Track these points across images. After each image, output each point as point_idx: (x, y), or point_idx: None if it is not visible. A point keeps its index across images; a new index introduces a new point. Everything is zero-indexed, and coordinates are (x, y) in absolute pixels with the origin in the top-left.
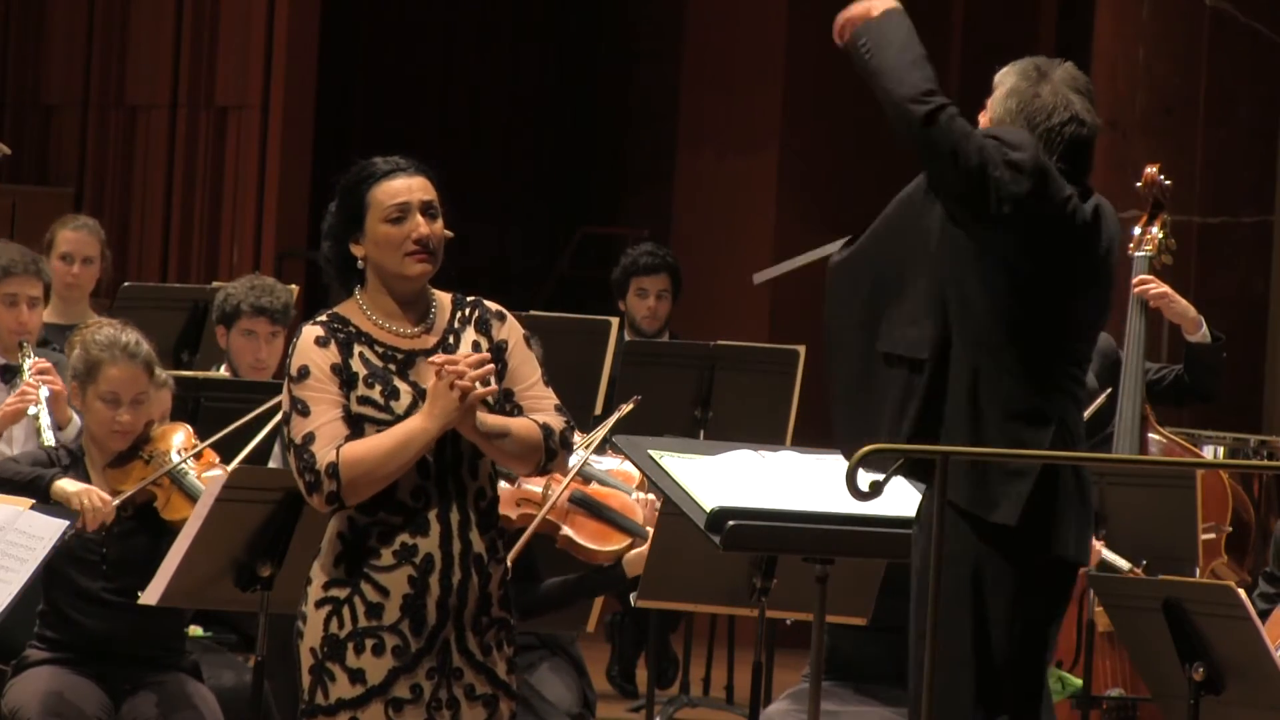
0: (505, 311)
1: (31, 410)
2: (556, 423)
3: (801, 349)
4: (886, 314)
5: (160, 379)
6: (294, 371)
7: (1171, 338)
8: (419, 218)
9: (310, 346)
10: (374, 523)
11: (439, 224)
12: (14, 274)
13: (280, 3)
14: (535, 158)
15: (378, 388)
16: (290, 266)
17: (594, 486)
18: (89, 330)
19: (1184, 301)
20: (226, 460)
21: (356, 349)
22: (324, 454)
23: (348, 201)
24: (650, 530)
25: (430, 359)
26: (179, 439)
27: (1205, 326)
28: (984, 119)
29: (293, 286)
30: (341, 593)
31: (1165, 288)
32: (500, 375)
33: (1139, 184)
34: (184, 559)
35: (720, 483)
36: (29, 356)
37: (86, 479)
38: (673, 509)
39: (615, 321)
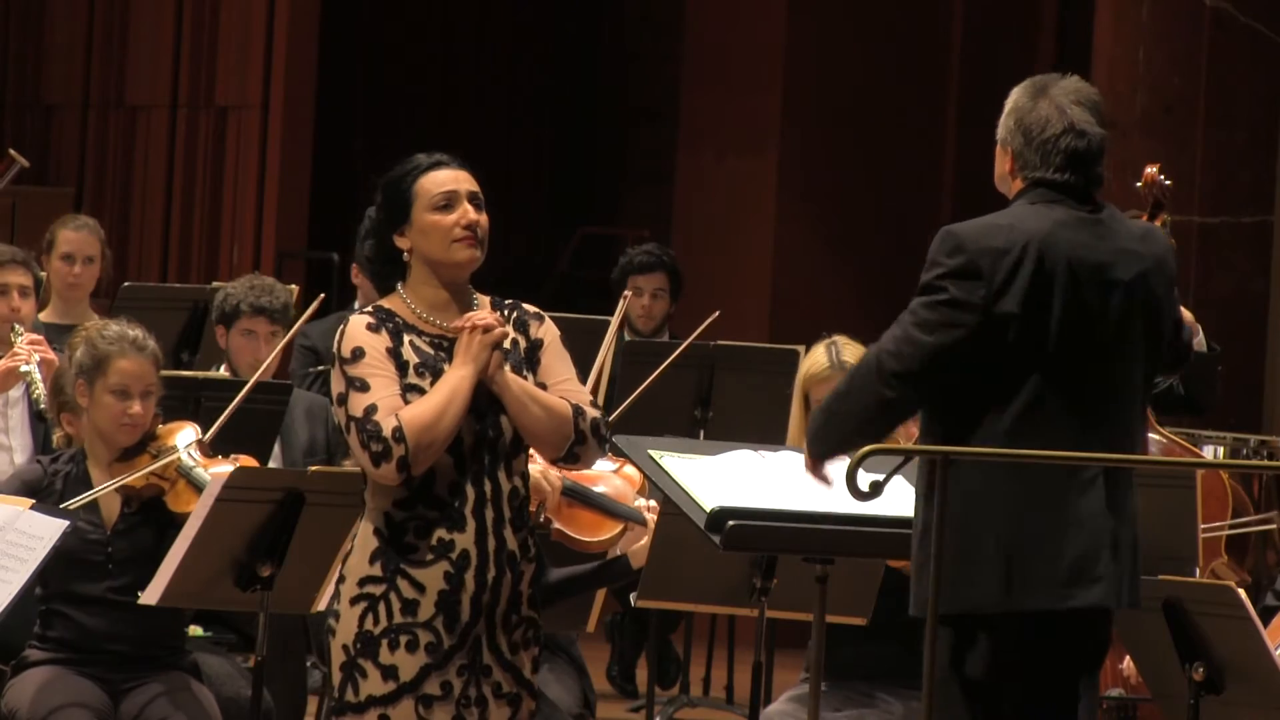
0: (543, 313)
1: (24, 368)
2: (590, 410)
3: (801, 349)
4: None
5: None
6: (346, 354)
7: None
8: (467, 204)
9: (362, 331)
10: (411, 517)
11: (484, 215)
12: (2, 263)
13: (280, 3)
14: (535, 158)
15: (428, 377)
16: (290, 266)
17: (581, 470)
18: (94, 327)
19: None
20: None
21: (406, 338)
22: (387, 421)
23: (393, 194)
24: (643, 513)
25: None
26: (187, 435)
27: (1201, 335)
28: (998, 149)
29: (293, 286)
30: (377, 589)
31: None
32: (534, 371)
33: (1139, 184)
34: (184, 559)
35: (720, 483)
36: (20, 335)
37: (88, 480)
38: (673, 509)
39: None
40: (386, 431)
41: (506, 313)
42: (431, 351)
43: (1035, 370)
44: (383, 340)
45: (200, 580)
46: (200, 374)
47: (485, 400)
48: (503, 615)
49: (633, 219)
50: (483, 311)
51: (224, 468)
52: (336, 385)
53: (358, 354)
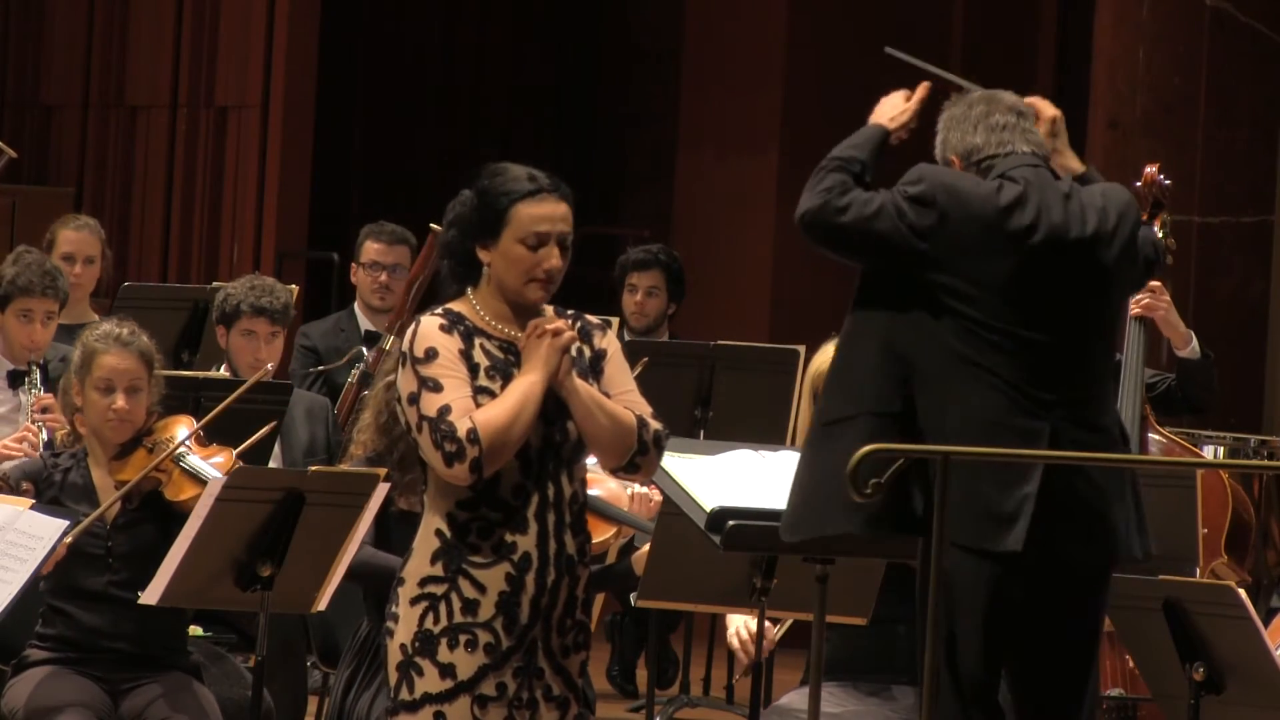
0: (606, 325)
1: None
2: (652, 422)
3: (801, 349)
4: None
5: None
6: (419, 354)
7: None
8: (554, 248)
9: (435, 331)
10: (474, 518)
11: (568, 255)
12: (32, 294)
13: (280, 3)
14: (535, 158)
15: (499, 380)
16: (290, 266)
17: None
18: (89, 329)
19: (1176, 315)
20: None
21: (477, 341)
22: (461, 422)
23: (488, 208)
24: (641, 519)
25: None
26: (182, 430)
27: (1195, 342)
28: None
29: (293, 286)
30: (439, 589)
31: (1147, 299)
32: (598, 380)
33: (1139, 184)
34: (184, 559)
35: (720, 483)
36: (36, 387)
37: (89, 478)
38: (673, 509)
39: (615, 321)
40: (461, 433)
41: (570, 322)
42: (502, 355)
43: (978, 323)
44: (455, 342)
45: (200, 580)
46: (200, 374)
47: (553, 405)
48: (558, 618)
49: (633, 219)
50: (550, 317)
51: (219, 458)
52: (407, 385)
53: (431, 354)
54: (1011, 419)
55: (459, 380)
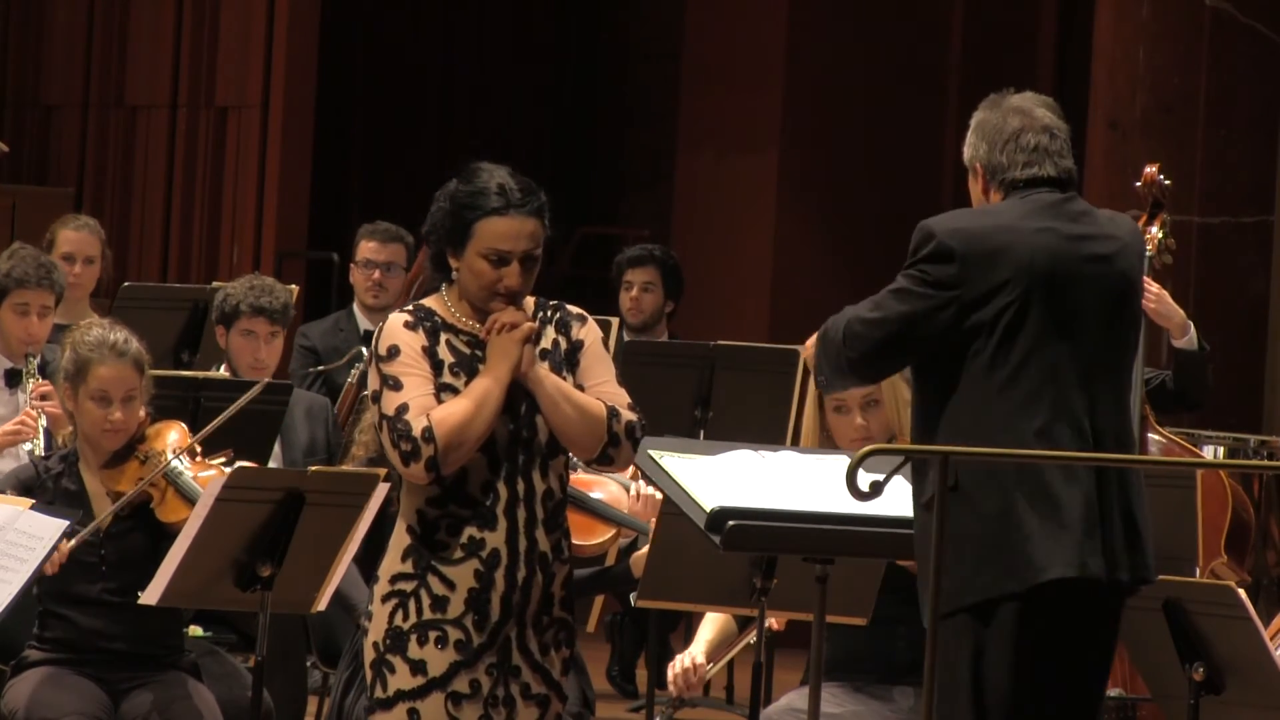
0: (586, 315)
1: (27, 447)
2: (625, 413)
3: (802, 349)
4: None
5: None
6: (383, 351)
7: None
8: (515, 267)
9: (399, 329)
10: (443, 515)
11: (534, 271)
12: (27, 286)
13: (280, 3)
14: (535, 158)
15: (463, 377)
16: (290, 266)
17: (578, 475)
18: (79, 331)
19: (1171, 304)
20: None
21: (443, 337)
22: (417, 421)
23: (456, 218)
24: (639, 521)
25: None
26: (174, 437)
27: (1193, 332)
28: (969, 177)
29: (292, 286)
30: (408, 586)
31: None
32: (574, 372)
33: (1139, 184)
34: (184, 559)
35: (720, 483)
36: (34, 375)
37: (81, 483)
38: (673, 509)
39: (615, 322)
40: (416, 431)
41: (549, 314)
42: (468, 351)
43: (1015, 345)
44: (419, 339)
45: (200, 580)
46: (200, 374)
47: (521, 399)
48: (533, 616)
49: (633, 219)
50: (508, 310)
51: (209, 473)
52: (372, 383)
53: (393, 352)
54: (1058, 443)
55: (420, 378)
